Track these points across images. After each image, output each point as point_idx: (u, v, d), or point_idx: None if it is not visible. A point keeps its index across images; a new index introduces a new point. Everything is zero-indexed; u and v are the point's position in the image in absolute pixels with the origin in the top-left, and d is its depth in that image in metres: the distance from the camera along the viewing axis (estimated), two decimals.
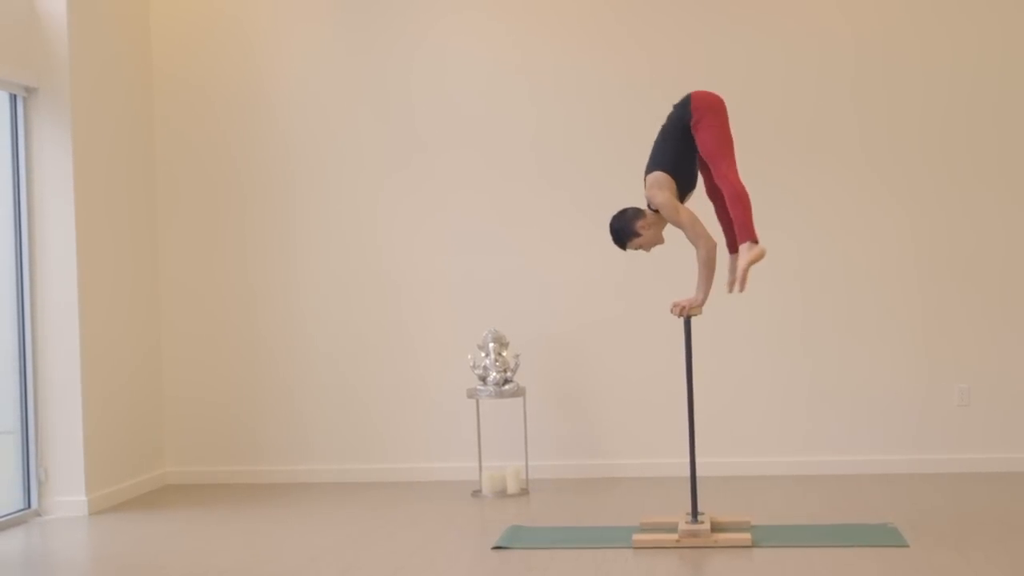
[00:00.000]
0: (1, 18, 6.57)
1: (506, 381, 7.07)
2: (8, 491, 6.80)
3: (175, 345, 7.80)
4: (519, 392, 7.11)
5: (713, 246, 5.63)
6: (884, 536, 5.56)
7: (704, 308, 5.80)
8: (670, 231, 5.77)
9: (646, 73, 7.36)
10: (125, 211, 7.45)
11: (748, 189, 5.50)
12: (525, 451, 7.21)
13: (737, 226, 5.47)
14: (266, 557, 5.66)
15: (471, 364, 7.16)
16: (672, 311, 5.81)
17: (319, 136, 7.72)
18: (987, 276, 7.27)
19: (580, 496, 6.92)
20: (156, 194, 7.81)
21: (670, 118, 5.69)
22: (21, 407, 6.83)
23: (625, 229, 5.72)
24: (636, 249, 5.80)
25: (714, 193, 5.73)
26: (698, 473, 5.79)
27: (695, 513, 5.71)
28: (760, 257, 5.42)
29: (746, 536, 5.53)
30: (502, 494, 6.98)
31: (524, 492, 7.06)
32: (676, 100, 5.71)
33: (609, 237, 5.85)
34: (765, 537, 5.59)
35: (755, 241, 5.42)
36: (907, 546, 5.37)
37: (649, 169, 5.68)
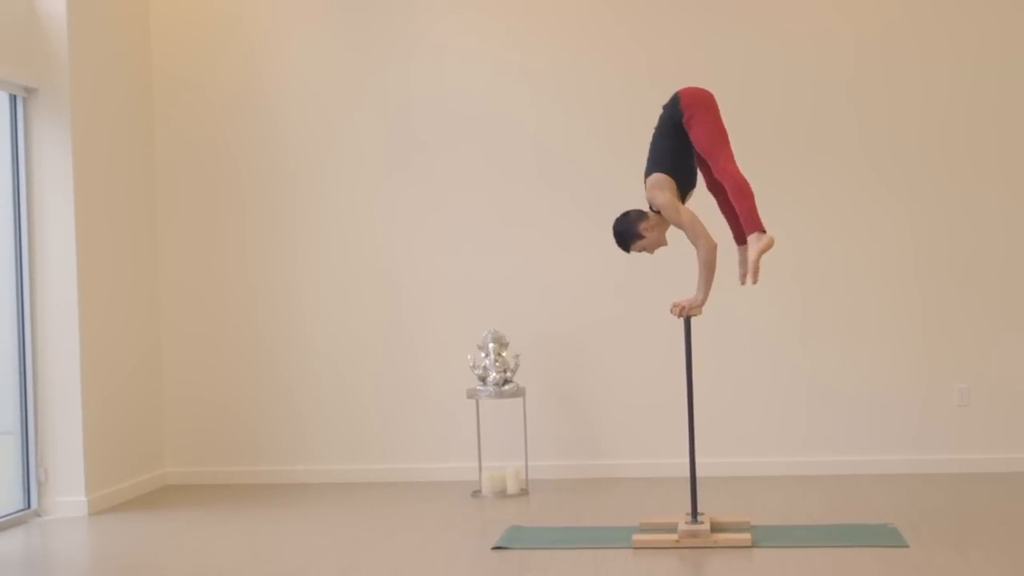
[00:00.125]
0: (1, 18, 6.57)
1: (506, 381, 7.07)
2: (8, 491, 6.80)
3: (175, 345, 7.80)
4: (519, 392, 7.11)
5: (713, 247, 5.63)
6: (884, 536, 5.56)
7: (704, 308, 5.79)
8: (671, 231, 5.77)
9: (645, 73, 7.36)
10: (125, 211, 7.46)
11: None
12: (525, 451, 7.21)
13: (742, 218, 5.47)
14: (266, 557, 5.66)
15: (471, 364, 7.16)
16: (672, 311, 5.81)
17: (319, 136, 7.72)
18: (987, 276, 7.27)
19: (580, 496, 6.92)
20: (156, 194, 7.81)
21: (661, 119, 5.70)
22: (21, 407, 6.83)
23: (628, 231, 5.73)
24: (640, 251, 5.81)
25: (715, 188, 5.74)
26: (698, 473, 5.79)
27: (695, 513, 5.71)
28: (770, 246, 5.40)
29: (746, 536, 5.53)
30: (502, 494, 6.98)
31: (524, 492, 7.06)
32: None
33: (610, 238, 5.85)
34: (765, 537, 5.59)
35: (763, 231, 5.41)
36: (907, 546, 5.37)
37: (648, 171, 5.68)
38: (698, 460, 5.83)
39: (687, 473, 5.79)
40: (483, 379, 7.08)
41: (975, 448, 7.24)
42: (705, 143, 5.54)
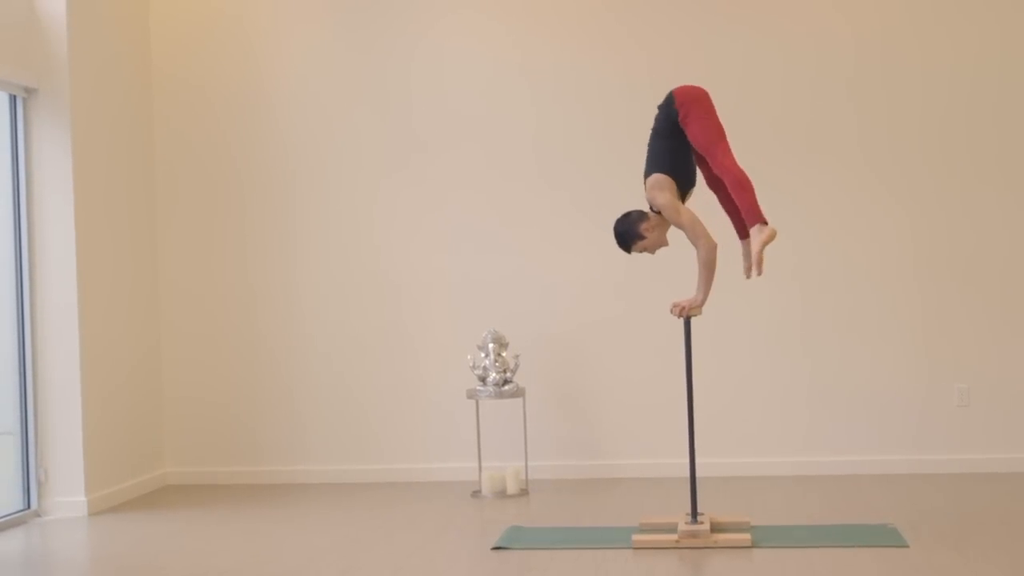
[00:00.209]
0: (1, 19, 6.57)
1: (506, 382, 7.07)
2: (8, 492, 6.80)
3: (175, 345, 7.80)
4: (519, 393, 7.11)
5: (713, 247, 5.63)
6: (884, 536, 5.56)
7: (704, 309, 5.79)
8: (671, 231, 5.77)
9: (645, 73, 7.36)
10: (125, 211, 7.46)
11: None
12: (525, 452, 7.21)
13: (744, 211, 5.46)
14: (266, 557, 5.66)
15: (471, 364, 7.16)
16: (672, 312, 5.82)
17: (319, 136, 7.72)
18: (987, 276, 7.27)
19: (580, 496, 6.92)
20: (156, 194, 7.81)
21: (657, 119, 5.71)
22: (21, 408, 6.83)
23: (629, 232, 5.73)
24: (641, 252, 5.81)
25: (715, 183, 5.75)
26: (698, 473, 5.79)
27: (695, 513, 5.71)
28: (772, 238, 5.39)
29: (746, 536, 5.53)
30: (502, 494, 6.98)
31: (524, 492, 7.06)
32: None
33: (610, 238, 5.85)
34: (765, 537, 5.59)
35: (764, 223, 5.41)
36: (907, 546, 5.37)
37: (647, 172, 5.69)
38: (698, 460, 5.82)
39: (687, 473, 5.79)
40: (483, 379, 7.08)
41: (975, 448, 7.24)
42: (702, 140, 5.55)
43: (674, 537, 5.56)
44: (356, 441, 7.66)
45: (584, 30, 7.55)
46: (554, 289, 7.51)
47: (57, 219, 6.83)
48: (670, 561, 5.34)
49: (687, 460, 5.78)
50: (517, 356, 7.15)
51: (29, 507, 6.80)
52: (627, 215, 5.77)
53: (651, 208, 5.72)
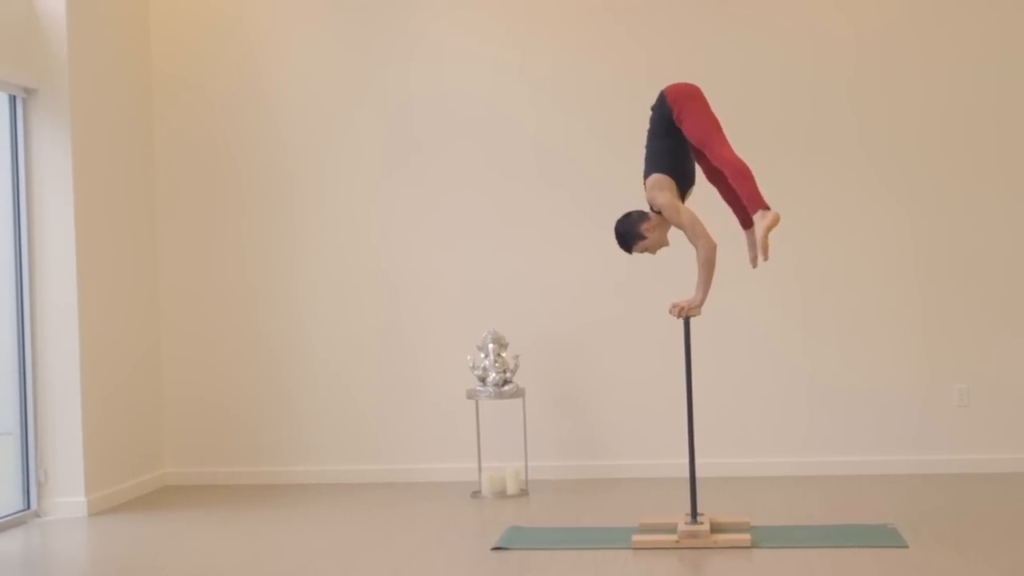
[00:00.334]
0: (1, 19, 6.57)
1: (505, 382, 7.07)
2: (8, 492, 6.80)
3: (174, 346, 7.80)
4: (518, 393, 7.11)
5: (713, 247, 5.63)
6: (884, 537, 5.56)
7: (704, 309, 5.79)
8: (672, 231, 5.77)
9: (644, 73, 7.35)
10: (124, 212, 7.45)
11: None
12: (524, 452, 7.21)
13: (745, 199, 5.46)
14: (265, 558, 5.66)
15: (470, 365, 7.16)
16: (671, 312, 5.82)
17: (319, 136, 7.72)
18: (987, 276, 7.27)
19: (579, 497, 6.92)
20: (155, 194, 7.81)
21: (652, 120, 5.73)
22: (21, 408, 6.83)
23: (630, 232, 5.73)
24: (642, 252, 5.81)
25: (714, 177, 5.76)
26: (697, 474, 5.79)
27: (694, 514, 5.70)
28: (776, 222, 5.36)
29: (745, 537, 5.53)
30: (501, 495, 6.98)
31: (523, 493, 7.06)
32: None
33: (609, 238, 5.86)
34: (764, 538, 5.59)
35: (767, 208, 5.40)
36: (907, 547, 5.37)
37: (647, 172, 5.70)
38: (698, 460, 5.82)
39: (687, 473, 5.79)
40: (483, 380, 7.08)
41: (975, 448, 7.23)
42: (698, 134, 5.56)
43: (674, 537, 5.55)
44: (356, 441, 7.66)
45: (584, 30, 7.55)
46: (554, 289, 7.51)
47: (57, 219, 6.83)
48: (670, 561, 5.34)
49: (687, 460, 5.78)
50: (517, 356, 7.15)
51: (29, 507, 6.80)
52: (628, 215, 5.77)
53: (651, 208, 5.72)
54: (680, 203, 5.65)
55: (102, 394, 7.03)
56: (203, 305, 7.79)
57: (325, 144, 7.71)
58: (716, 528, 5.68)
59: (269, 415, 7.73)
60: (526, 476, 7.19)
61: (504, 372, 7.07)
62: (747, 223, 5.76)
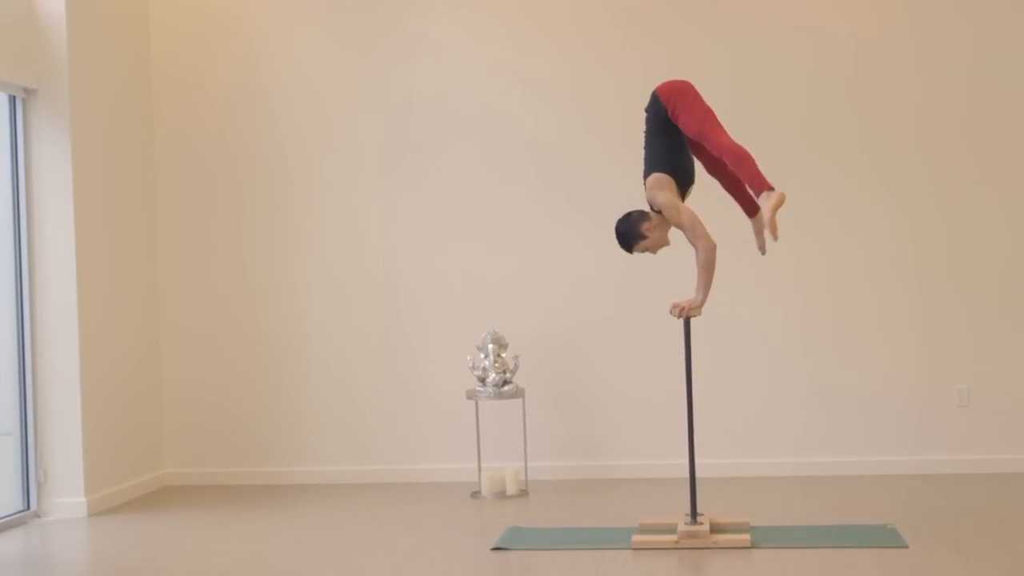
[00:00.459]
0: (0, 19, 6.57)
1: (505, 382, 7.06)
2: (7, 492, 6.80)
3: (174, 346, 7.80)
4: (518, 393, 7.11)
5: (712, 247, 5.62)
6: (883, 537, 5.56)
7: (704, 309, 5.79)
8: (672, 231, 5.77)
9: (642, 74, 7.32)
10: (124, 212, 7.45)
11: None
12: (524, 452, 7.21)
13: (749, 183, 5.46)
14: (265, 558, 5.66)
15: (470, 365, 7.16)
16: (671, 312, 5.81)
17: (318, 136, 7.72)
18: (986, 277, 7.27)
19: (579, 497, 6.92)
20: (155, 194, 7.81)
21: (648, 121, 5.75)
22: (20, 408, 6.82)
23: (631, 232, 5.74)
24: (643, 252, 5.81)
25: (715, 168, 5.80)
26: (697, 474, 5.79)
27: (694, 514, 5.70)
28: (782, 201, 5.34)
29: (745, 537, 5.53)
30: (501, 495, 6.97)
31: (523, 493, 7.06)
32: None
33: (608, 238, 5.86)
34: (764, 538, 5.59)
35: (771, 188, 5.39)
36: (906, 547, 5.37)
37: (647, 172, 5.70)
38: (697, 461, 5.82)
39: (686, 474, 5.79)
40: (482, 380, 7.08)
41: (975, 449, 7.23)
42: (694, 126, 5.57)
43: (674, 538, 5.55)
44: (355, 442, 7.66)
45: (582, 31, 7.55)
46: (554, 290, 7.51)
47: (57, 219, 6.83)
48: (670, 562, 5.34)
49: (687, 460, 5.78)
50: (517, 357, 7.15)
51: (29, 508, 6.80)
52: (628, 215, 5.78)
53: (651, 207, 5.72)
54: (680, 202, 5.65)
55: (102, 394, 7.03)
56: (203, 305, 7.79)
57: (324, 144, 7.71)
58: (716, 528, 5.68)
59: (269, 415, 7.73)
60: (526, 476, 7.19)
61: (504, 372, 7.07)
62: (752, 211, 5.80)
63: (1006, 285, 7.26)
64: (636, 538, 5.60)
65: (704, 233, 5.61)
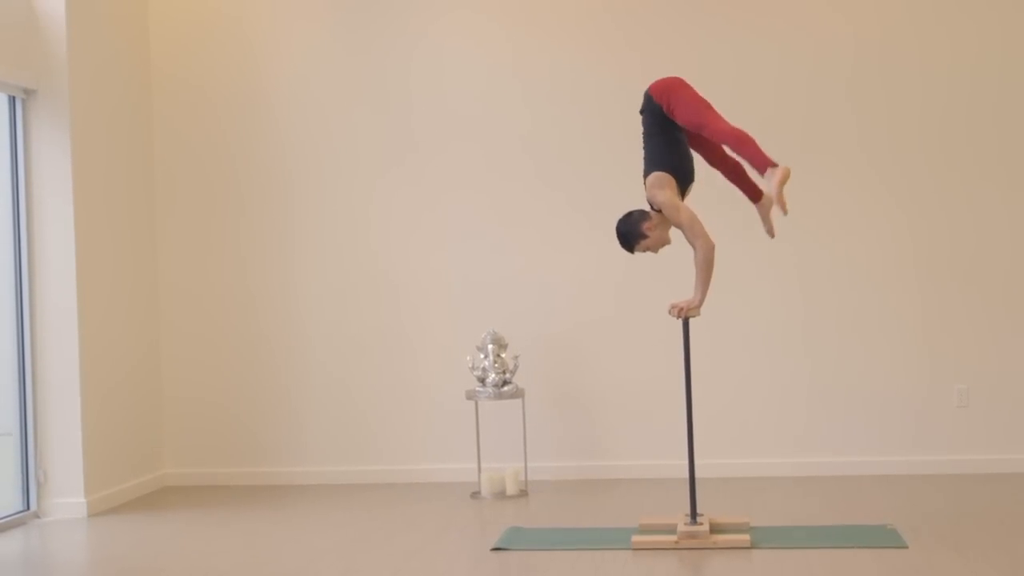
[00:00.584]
0: (0, 20, 6.57)
1: (505, 382, 7.06)
2: (7, 493, 6.80)
3: (174, 346, 7.80)
4: (518, 393, 7.11)
5: (711, 247, 5.62)
6: (883, 537, 5.56)
7: (703, 309, 5.79)
8: (673, 230, 5.77)
9: (640, 74, 7.30)
10: (124, 212, 7.45)
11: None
12: (524, 452, 7.21)
13: (752, 163, 5.44)
14: (265, 559, 5.66)
15: (470, 365, 7.16)
16: (670, 312, 5.81)
17: (318, 136, 7.72)
18: (986, 277, 7.27)
19: (579, 497, 6.92)
20: (155, 195, 7.81)
21: (644, 122, 5.76)
22: (20, 409, 6.82)
23: (632, 232, 5.74)
24: (644, 251, 5.81)
25: (715, 159, 5.84)
26: (697, 474, 5.79)
27: (694, 514, 5.70)
28: (787, 175, 5.33)
29: (745, 537, 5.53)
30: (501, 495, 6.97)
31: (523, 493, 7.06)
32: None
33: (608, 238, 5.87)
34: (764, 538, 5.59)
35: (775, 165, 5.38)
36: (906, 547, 5.37)
37: (647, 171, 5.70)
38: (697, 461, 5.82)
39: (686, 474, 5.79)
40: (482, 380, 7.08)
41: (974, 449, 7.23)
42: (691, 117, 5.58)
43: (673, 538, 5.55)
44: (355, 442, 7.66)
45: (581, 32, 7.55)
46: (553, 290, 7.51)
47: (56, 220, 6.83)
48: (669, 562, 5.34)
49: (686, 461, 5.78)
50: (516, 357, 7.15)
51: (28, 508, 6.80)
52: (629, 215, 5.78)
53: (651, 206, 5.73)
54: (680, 201, 5.65)
55: (102, 394, 7.03)
56: (203, 305, 7.79)
57: (324, 144, 7.71)
58: (716, 529, 5.68)
59: (269, 415, 7.73)
60: (526, 477, 7.19)
61: (503, 373, 7.07)
62: (756, 196, 5.85)
63: (1006, 285, 7.26)
64: (636, 538, 5.60)
65: (703, 233, 5.61)
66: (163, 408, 7.78)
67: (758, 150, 5.42)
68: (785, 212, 5.40)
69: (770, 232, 5.89)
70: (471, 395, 7.14)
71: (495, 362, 7.08)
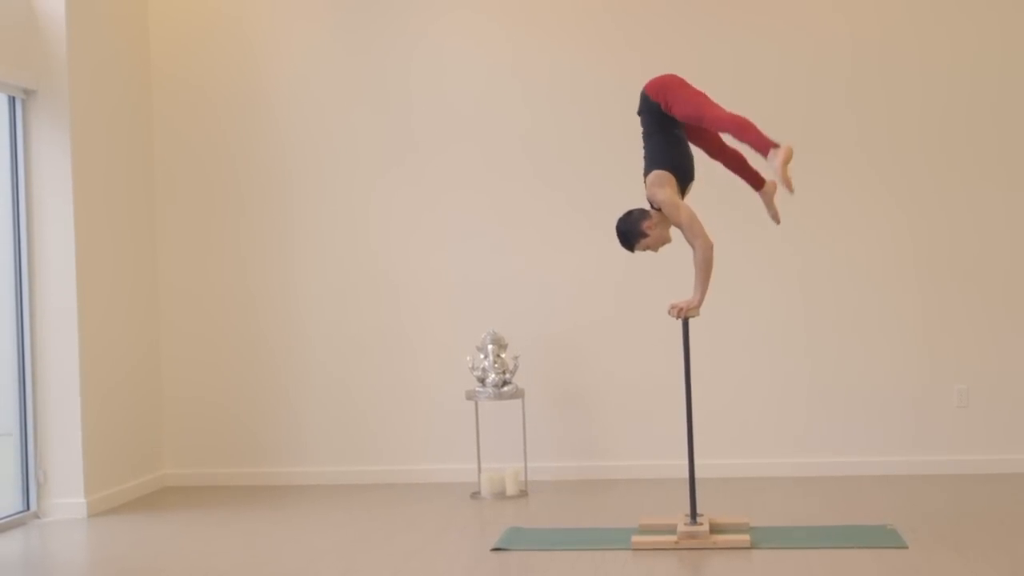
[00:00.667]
0: (0, 20, 6.58)
1: (505, 383, 7.06)
2: (7, 493, 6.80)
3: (174, 346, 7.80)
4: (518, 394, 7.11)
5: (710, 247, 5.62)
6: (883, 537, 5.56)
7: (703, 309, 5.79)
8: (674, 229, 5.77)
9: (640, 74, 7.29)
10: (124, 212, 7.45)
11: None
12: (524, 453, 7.21)
13: (755, 146, 5.44)
14: (265, 559, 5.66)
15: (470, 366, 7.16)
16: (670, 313, 5.81)
17: (318, 136, 7.72)
18: (986, 277, 7.27)
19: (579, 497, 6.92)
20: (155, 195, 7.81)
21: (642, 122, 5.77)
22: (20, 409, 6.82)
23: (632, 230, 5.74)
24: (644, 250, 5.81)
25: (716, 150, 5.87)
26: (697, 474, 5.79)
27: (694, 515, 5.70)
28: (790, 154, 5.33)
29: (745, 538, 5.53)
30: (501, 496, 6.97)
31: (523, 494, 7.06)
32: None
33: (607, 238, 5.87)
34: (764, 539, 5.59)
35: (777, 145, 5.38)
36: (906, 547, 5.37)
37: (647, 170, 5.71)
38: (697, 461, 5.82)
39: (686, 474, 5.79)
40: (482, 380, 7.08)
41: (974, 449, 7.23)
42: (689, 110, 5.59)
43: (673, 538, 5.56)
44: (355, 442, 7.65)
45: (581, 32, 7.55)
46: (553, 290, 7.51)
47: (56, 220, 6.83)
48: (669, 562, 5.34)
49: (686, 461, 5.78)
50: (516, 357, 7.15)
51: (28, 509, 6.80)
52: (629, 213, 5.77)
53: (651, 205, 5.73)
54: (680, 200, 5.65)
55: (101, 395, 7.03)
56: (202, 305, 7.79)
57: (324, 144, 7.71)
58: (715, 529, 5.68)
59: (269, 416, 7.73)
60: (525, 477, 7.19)
61: (503, 373, 7.07)
62: (758, 184, 5.88)
63: (1006, 285, 7.26)
64: (636, 539, 5.60)
65: (702, 232, 5.60)
66: (163, 408, 7.78)
67: (759, 133, 5.43)
68: (791, 190, 5.41)
69: (775, 218, 5.90)
70: (471, 395, 7.14)
71: (495, 362, 7.08)
